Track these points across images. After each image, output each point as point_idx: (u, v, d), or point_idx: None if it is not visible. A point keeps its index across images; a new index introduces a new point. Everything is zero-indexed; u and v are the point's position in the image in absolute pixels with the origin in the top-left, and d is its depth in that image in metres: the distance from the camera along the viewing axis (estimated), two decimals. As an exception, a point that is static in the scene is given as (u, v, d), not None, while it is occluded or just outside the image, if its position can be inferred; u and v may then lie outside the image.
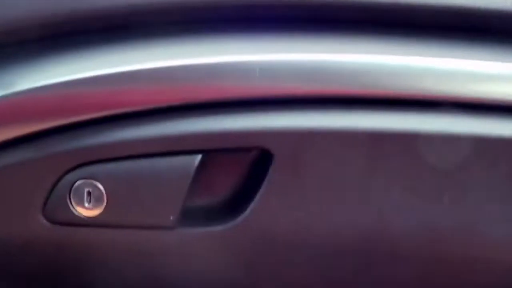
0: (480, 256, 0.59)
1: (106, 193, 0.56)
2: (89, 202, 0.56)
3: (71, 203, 0.56)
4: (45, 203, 0.56)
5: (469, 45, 0.57)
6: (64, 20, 0.53)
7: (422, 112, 0.55)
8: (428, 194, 0.56)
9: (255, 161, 0.56)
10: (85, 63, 0.54)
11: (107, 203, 0.56)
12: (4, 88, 0.54)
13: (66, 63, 0.54)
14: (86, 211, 0.57)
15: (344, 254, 0.59)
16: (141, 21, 0.55)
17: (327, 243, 0.58)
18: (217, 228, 0.57)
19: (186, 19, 0.55)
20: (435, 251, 0.59)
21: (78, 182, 0.56)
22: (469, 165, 0.56)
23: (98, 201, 0.56)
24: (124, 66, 0.54)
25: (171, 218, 0.56)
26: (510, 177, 0.56)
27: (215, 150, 0.55)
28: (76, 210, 0.57)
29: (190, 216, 0.58)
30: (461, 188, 0.56)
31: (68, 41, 0.55)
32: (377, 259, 0.59)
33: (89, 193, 0.56)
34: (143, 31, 0.55)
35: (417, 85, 0.55)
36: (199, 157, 0.55)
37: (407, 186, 0.56)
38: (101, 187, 0.56)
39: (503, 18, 0.57)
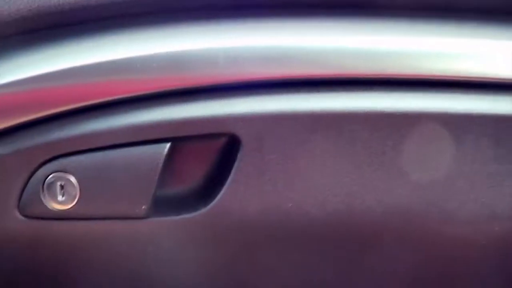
0: (451, 233, 0.59)
1: (78, 185, 0.57)
2: (62, 195, 0.57)
3: (44, 197, 0.57)
4: (19, 198, 0.57)
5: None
6: (29, 15, 0.54)
7: (385, 91, 0.56)
8: (396, 174, 0.57)
9: (223, 148, 0.57)
10: (51, 57, 0.55)
11: (80, 195, 0.57)
12: None
13: (33, 58, 0.55)
14: (59, 204, 0.57)
15: (314, 237, 0.59)
16: (109, 13, 0.56)
17: (297, 226, 0.58)
18: (189, 216, 0.58)
19: (151, 9, 0.56)
20: (407, 230, 0.59)
21: (51, 176, 0.57)
22: (437, 143, 0.57)
23: (71, 194, 0.57)
24: (92, 58, 0.54)
25: (143, 207, 0.57)
26: (479, 155, 0.57)
27: (183, 138, 0.56)
28: (50, 204, 0.57)
29: (162, 204, 0.58)
30: (430, 167, 0.57)
31: (33, 37, 0.56)
32: (346, 240, 0.60)
33: (62, 186, 0.57)
34: (108, 23, 0.56)
35: (378, 65, 0.55)
36: (168, 145, 0.56)
37: (374, 167, 0.57)
38: (73, 179, 0.57)
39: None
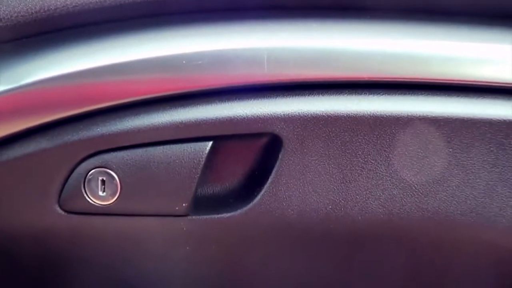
0: (490, 241, 0.59)
1: (119, 181, 0.57)
2: (103, 191, 0.57)
3: (85, 192, 0.58)
4: (60, 193, 0.58)
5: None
6: (67, 12, 0.55)
7: (428, 95, 0.56)
8: (435, 178, 0.57)
9: (265, 147, 0.57)
10: (95, 53, 0.55)
11: (120, 191, 0.57)
12: (15, 81, 0.55)
13: (77, 53, 0.55)
14: (100, 200, 0.58)
15: (353, 239, 0.59)
16: (145, 10, 0.56)
17: (336, 228, 0.58)
18: (229, 215, 0.58)
19: (191, 7, 0.56)
20: (446, 236, 0.59)
21: (92, 171, 0.57)
22: (479, 149, 0.56)
23: (112, 189, 0.57)
24: (136, 55, 0.55)
25: (184, 205, 0.57)
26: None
27: (225, 137, 0.56)
28: (91, 199, 0.58)
29: (202, 203, 0.58)
30: (471, 172, 0.57)
31: (77, 33, 0.56)
32: (386, 244, 0.60)
33: (103, 182, 0.57)
34: (150, 21, 0.56)
35: (420, 69, 0.55)
36: (210, 144, 0.56)
37: (415, 170, 0.56)
38: (115, 175, 0.57)
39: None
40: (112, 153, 0.57)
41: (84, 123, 0.56)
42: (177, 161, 0.56)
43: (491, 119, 0.55)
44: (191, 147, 0.56)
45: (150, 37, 0.55)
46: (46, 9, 0.54)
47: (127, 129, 0.56)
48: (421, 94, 0.56)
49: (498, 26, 0.57)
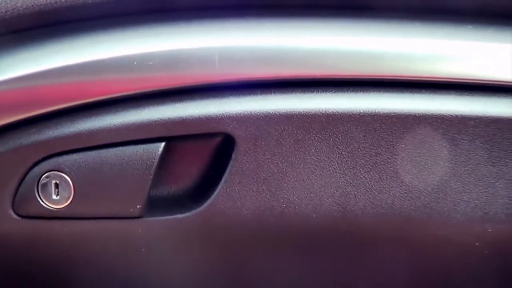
0: (444, 236, 0.60)
1: (73, 184, 0.57)
2: (57, 194, 0.57)
3: (39, 196, 0.57)
4: (14, 197, 0.57)
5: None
6: (25, 13, 0.55)
7: (380, 92, 0.56)
8: (389, 175, 0.57)
9: (218, 147, 0.57)
10: (46, 56, 0.55)
11: (74, 194, 0.57)
12: None
13: (28, 56, 0.55)
14: (54, 203, 0.57)
15: (308, 237, 0.60)
16: (104, 12, 0.56)
17: (291, 226, 0.58)
18: (183, 216, 0.58)
19: (146, 7, 0.56)
20: (400, 232, 0.59)
21: (45, 175, 0.57)
22: (431, 144, 0.57)
23: (66, 193, 0.57)
24: (86, 57, 0.55)
25: (138, 207, 0.57)
26: (473, 157, 0.57)
27: (178, 137, 0.56)
28: (45, 203, 0.57)
29: (156, 204, 0.58)
30: (423, 168, 0.57)
31: (29, 35, 0.56)
32: (340, 242, 0.60)
33: (56, 185, 0.57)
34: (103, 22, 0.56)
35: (373, 66, 0.56)
36: (162, 144, 0.56)
37: (368, 168, 0.57)
38: (68, 178, 0.57)
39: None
40: (65, 156, 0.56)
41: (36, 126, 0.56)
42: (130, 162, 0.56)
43: (443, 115, 0.56)
44: (143, 149, 0.56)
45: (100, 38, 0.55)
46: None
47: (79, 131, 0.56)
48: (372, 91, 0.57)
49: (497, 25, 0.58)
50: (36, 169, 0.57)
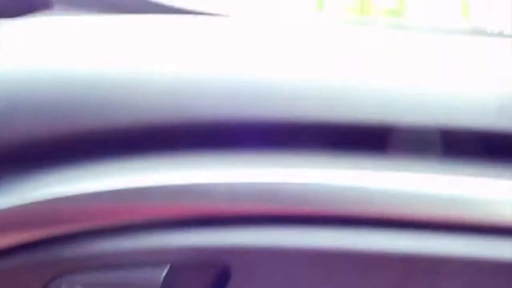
0: None
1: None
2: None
3: None
4: None
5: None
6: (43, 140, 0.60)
7: (378, 231, 0.56)
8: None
9: (213, 278, 0.59)
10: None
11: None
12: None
13: (47, 180, 0.61)
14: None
15: None
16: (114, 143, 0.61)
17: None
18: None
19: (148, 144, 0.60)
20: None
21: None
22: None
23: (78, 309, 0.60)
24: (105, 184, 0.59)
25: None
26: None
27: (177, 265, 0.58)
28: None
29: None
30: None
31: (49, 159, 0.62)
32: None
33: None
34: (109, 152, 0.60)
35: (372, 204, 0.56)
36: (166, 269, 0.58)
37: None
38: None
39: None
40: (78, 274, 0.60)
41: (53, 244, 0.60)
42: (136, 283, 0.59)
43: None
44: (148, 271, 0.59)
45: (109, 168, 0.60)
46: None
47: (92, 253, 0.60)
48: (378, 230, 0.56)
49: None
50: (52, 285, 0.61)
